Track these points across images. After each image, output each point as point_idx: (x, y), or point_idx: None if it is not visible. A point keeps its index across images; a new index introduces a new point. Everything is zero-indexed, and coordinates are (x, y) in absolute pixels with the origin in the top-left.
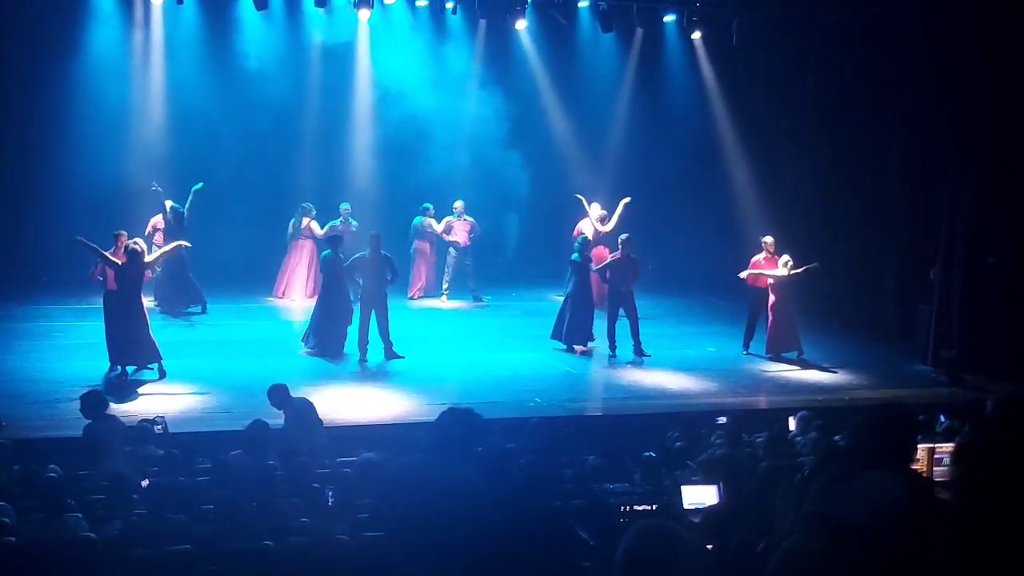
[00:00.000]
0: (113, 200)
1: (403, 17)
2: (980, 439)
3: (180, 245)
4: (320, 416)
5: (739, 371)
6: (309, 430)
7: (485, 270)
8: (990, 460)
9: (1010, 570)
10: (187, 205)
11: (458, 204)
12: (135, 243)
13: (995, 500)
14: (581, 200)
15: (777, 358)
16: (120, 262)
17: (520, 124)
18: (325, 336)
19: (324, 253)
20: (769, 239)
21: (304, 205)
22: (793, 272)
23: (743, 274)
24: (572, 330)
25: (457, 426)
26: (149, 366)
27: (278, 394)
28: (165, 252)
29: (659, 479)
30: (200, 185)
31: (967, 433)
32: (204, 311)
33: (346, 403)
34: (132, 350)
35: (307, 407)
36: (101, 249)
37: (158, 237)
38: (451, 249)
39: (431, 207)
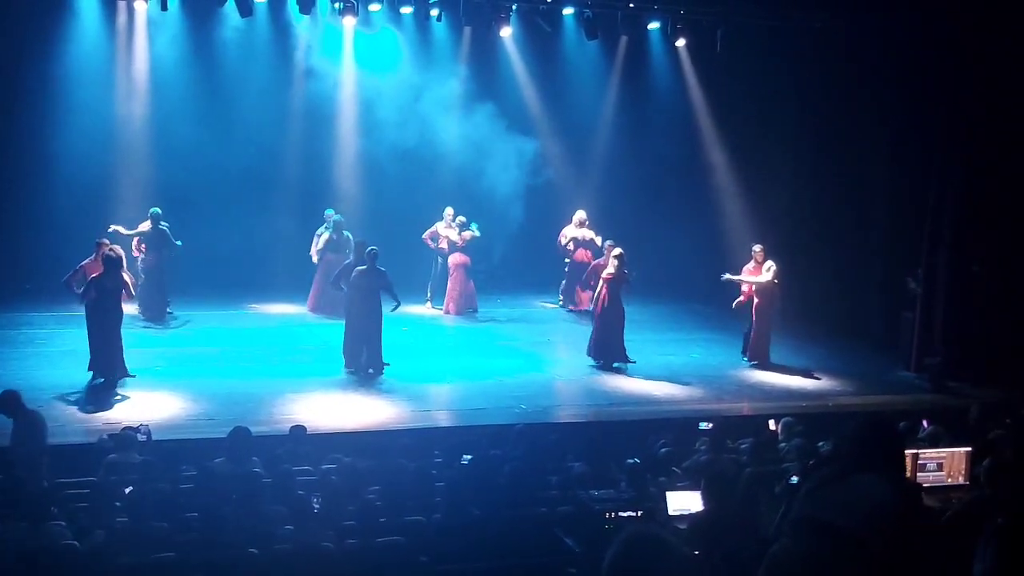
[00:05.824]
0: (94, 208)
1: (387, 24)
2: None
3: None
4: (47, 435)
5: (724, 377)
6: (31, 445)
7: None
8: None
9: None
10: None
11: (448, 211)
12: (112, 250)
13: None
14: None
15: (762, 364)
16: (96, 274)
17: (505, 130)
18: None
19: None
20: (758, 247)
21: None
22: (774, 281)
23: (728, 277)
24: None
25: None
26: (119, 383)
27: (8, 402)
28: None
29: (644, 485)
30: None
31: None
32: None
33: (331, 410)
34: (103, 362)
35: (36, 421)
36: (78, 288)
37: (143, 246)
38: (437, 257)
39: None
